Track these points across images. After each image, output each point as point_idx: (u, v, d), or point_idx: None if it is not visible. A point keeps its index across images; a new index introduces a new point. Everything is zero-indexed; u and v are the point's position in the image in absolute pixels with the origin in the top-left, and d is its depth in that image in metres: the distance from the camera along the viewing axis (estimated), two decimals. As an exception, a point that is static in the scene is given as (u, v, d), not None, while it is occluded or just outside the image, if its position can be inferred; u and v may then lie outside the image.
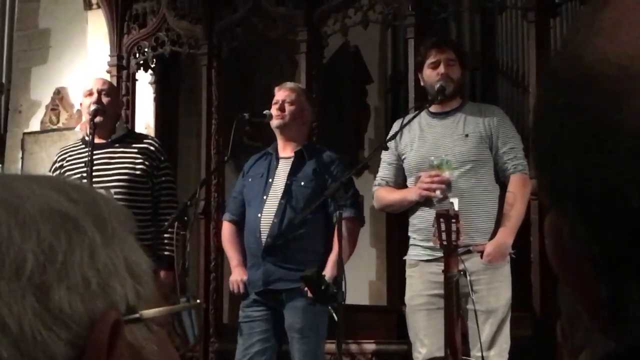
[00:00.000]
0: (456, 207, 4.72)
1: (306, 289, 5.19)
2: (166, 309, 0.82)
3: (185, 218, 5.51)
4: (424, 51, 5.48)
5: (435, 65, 5.35)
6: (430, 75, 5.36)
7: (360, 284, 8.10)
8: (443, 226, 4.53)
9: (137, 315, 0.77)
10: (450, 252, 4.56)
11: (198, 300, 5.23)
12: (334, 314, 4.97)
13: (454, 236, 4.51)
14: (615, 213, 0.57)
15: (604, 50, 0.59)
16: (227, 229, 5.90)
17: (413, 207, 5.31)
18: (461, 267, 4.65)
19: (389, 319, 7.10)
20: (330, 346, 5.45)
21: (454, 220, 4.52)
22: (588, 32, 0.61)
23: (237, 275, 5.73)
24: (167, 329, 0.83)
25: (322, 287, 4.93)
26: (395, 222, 7.07)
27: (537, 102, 0.63)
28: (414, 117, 5.39)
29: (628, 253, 0.57)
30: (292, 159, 5.71)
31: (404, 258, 5.43)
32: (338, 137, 7.61)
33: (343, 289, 4.96)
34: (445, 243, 4.55)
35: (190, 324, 0.90)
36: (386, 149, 5.38)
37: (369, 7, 6.71)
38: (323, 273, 5.26)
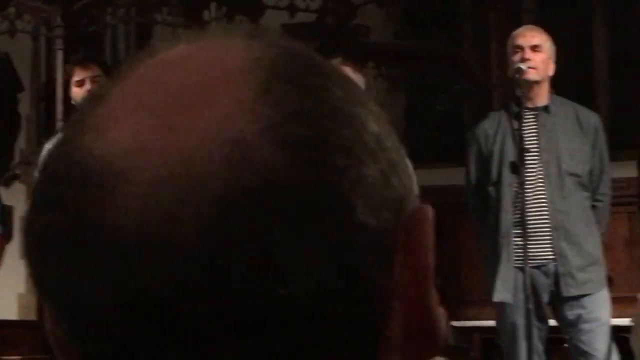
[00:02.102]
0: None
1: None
2: None
3: None
4: (69, 69, 5.46)
5: (80, 84, 5.33)
6: (79, 93, 5.33)
7: (9, 297, 7.87)
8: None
9: None
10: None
11: None
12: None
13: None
14: (87, 314, 0.58)
15: (91, 146, 0.59)
16: None
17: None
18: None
19: (37, 333, 6.94)
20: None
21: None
22: (80, 126, 0.61)
23: None
24: None
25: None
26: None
27: (34, 189, 0.62)
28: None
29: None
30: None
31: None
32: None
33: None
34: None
35: None
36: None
37: (17, 16, 6.55)
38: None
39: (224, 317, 0.57)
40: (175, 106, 0.60)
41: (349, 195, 0.59)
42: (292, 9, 7.27)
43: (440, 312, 0.63)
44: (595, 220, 5.26)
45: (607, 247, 7.57)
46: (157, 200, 0.58)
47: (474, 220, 5.61)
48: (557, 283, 5.09)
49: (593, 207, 5.27)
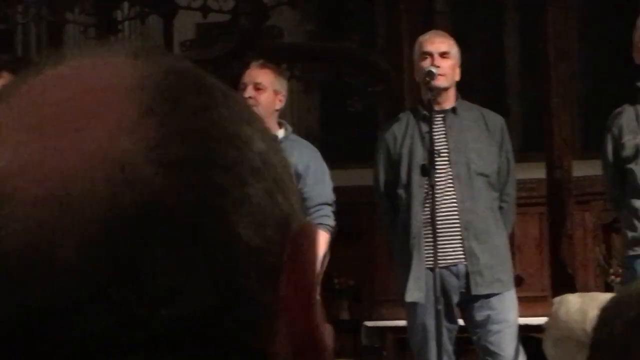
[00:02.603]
0: None
1: None
2: None
3: None
4: None
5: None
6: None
7: None
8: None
9: None
10: None
11: None
12: None
13: None
14: None
15: None
16: None
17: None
18: None
19: None
20: None
21: None
22: None
23: None
24: None
25: None
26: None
27: None
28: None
29: None
30: None
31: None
32: None
33: None
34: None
35: None
36: None
37: None
38: None
39: (105, 337, 0.57)
40: (58, 125, 0.59)
41: (232, 215, 0.60)
42: (205, 9, 7.25)
43: (327, 327, 0.64)
44: (502, 221, 5.33)
45: (518, 248, 7.69)
46: (38, 220, 0.57)
47: (381, 222, 5.65)
48: (467, 283, 5.15)
49: (500, 208, 5.33)
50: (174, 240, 0.58)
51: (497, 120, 5.42)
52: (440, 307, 4.94)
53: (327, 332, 0.64)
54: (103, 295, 0.57)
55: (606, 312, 1.50)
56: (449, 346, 5.13)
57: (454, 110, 5.30)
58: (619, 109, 5.38)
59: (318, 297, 0.65)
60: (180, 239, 0.58)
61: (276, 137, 0.66)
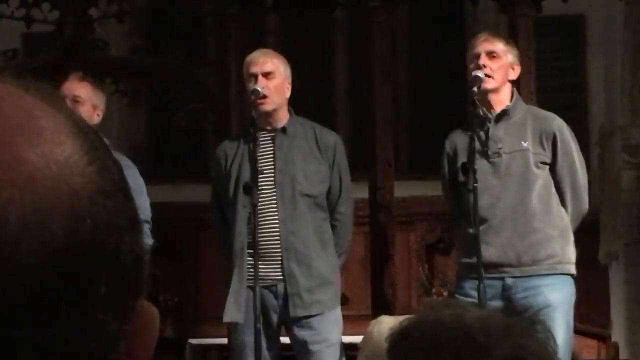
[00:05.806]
0: None
1: None
2: None
3: None
4: None
5: None
6: None
7: None
8: None
9: None
10: None
11: None
12: None
13: None
14: None
15: None
16: None
17: None
18: None
19: None
20: None
21: None
22: None
23: None
24: None
25: None
26: None
27: None
28: None
29: None
30: None
31: None
32: None
33: None
34: None
35: None
36: None
37: None
38: None
39: None
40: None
41: (131, 234, 0.66)
42: (28, 19, 7.08)
43: None
44: (335, 240, 5.32)
45: (345, 266, 7.73)
46: None
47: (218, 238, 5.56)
48: (285, 304, 5.14)
49: (333, 226, 5.33)
50: (104, 262, 0.63)
51: (330, 138, 5.40)
52: (259, 326, 4.93)
53: None
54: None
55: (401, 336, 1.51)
56: (269, 365, 5.12)
57: (283, 129, 5.27)
58: (452, 133, 5.36)
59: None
60: (110, 260, 0.62)
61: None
